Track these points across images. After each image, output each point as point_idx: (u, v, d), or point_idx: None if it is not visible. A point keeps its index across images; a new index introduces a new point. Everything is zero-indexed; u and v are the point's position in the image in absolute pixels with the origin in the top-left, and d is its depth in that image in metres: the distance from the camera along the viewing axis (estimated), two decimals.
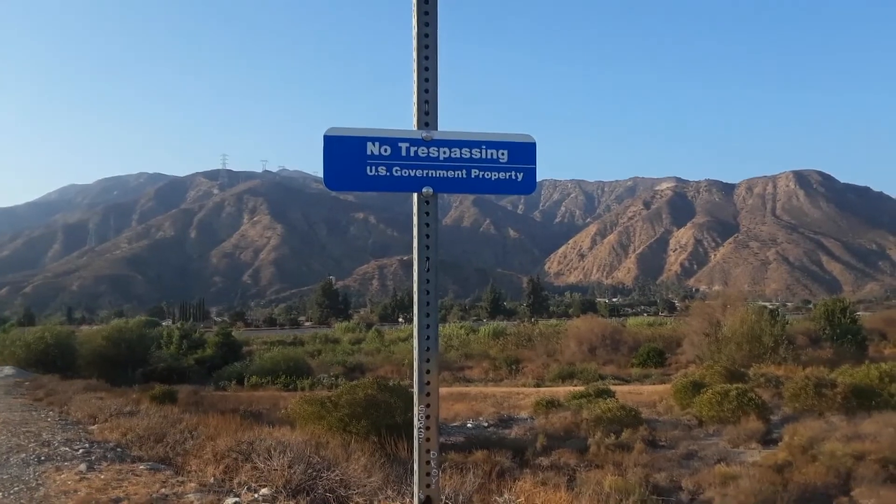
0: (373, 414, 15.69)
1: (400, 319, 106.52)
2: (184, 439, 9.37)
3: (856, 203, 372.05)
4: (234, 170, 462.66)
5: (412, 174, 3.46)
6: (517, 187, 3.64)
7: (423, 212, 3.47)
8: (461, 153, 3.52)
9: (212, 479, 7.32)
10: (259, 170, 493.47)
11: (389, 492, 6.50)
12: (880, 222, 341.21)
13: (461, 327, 68.07)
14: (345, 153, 3.40)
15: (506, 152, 3.58)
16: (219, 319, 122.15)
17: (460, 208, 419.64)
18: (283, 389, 33.36)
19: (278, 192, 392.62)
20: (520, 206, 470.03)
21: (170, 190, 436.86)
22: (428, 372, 3.24)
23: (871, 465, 14.47)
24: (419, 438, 3.10)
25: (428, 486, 3.08)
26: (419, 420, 3.15)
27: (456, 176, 3.51)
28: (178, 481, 7.30)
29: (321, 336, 67.24)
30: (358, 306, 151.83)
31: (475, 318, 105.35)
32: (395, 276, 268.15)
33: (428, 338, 3.29)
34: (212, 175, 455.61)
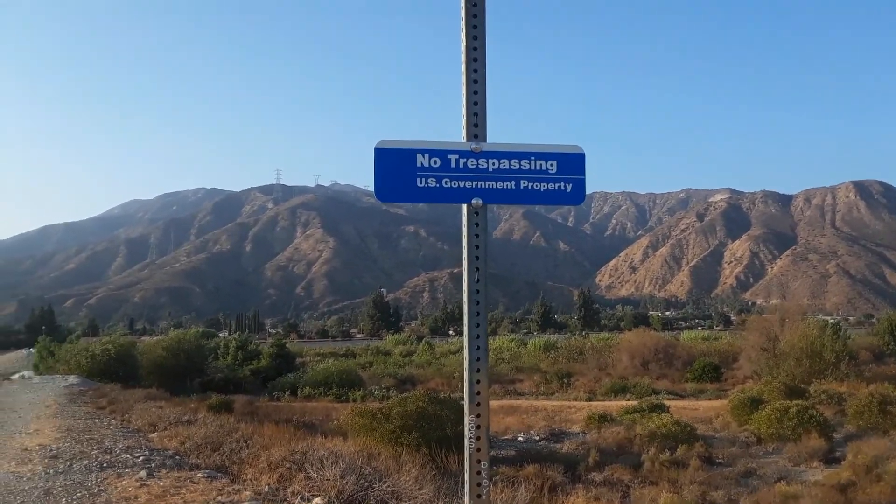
0: (423, 426, 15.73)
1: (450, 332, 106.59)
2: (239, 448, 9.55)
3: None
4: (288, 184, 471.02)
5: (462, 185, 3.50)
6: (566, 198, 3.64)
7: (473, 223, 3.50)
8: (510, 164, 3.55)
9: (266, 488, 7.45)
10: (312, 184, 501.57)
11: (440, 503, 6.51)
12: None
13: (511, 340, 67.70)
14: (395, 165, 3.46)
15: (555, 163, 3.60)
16: (273, 331, 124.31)
17: (510, 221, 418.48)
18: (335, 401, 33.73)
19: (330, 205, 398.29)
20: (570, 219, 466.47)
21: (226, 204, 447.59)
22: (478, 382, 3.26)
23: None
24: (470, 448, 3.12)
25: (479, 496, 3.09)
26: (470, 430, 3.16)
27: (505, 187, 3.54)
28: (233, 489, 7.44)
29: (373, 348, 67.76)
30: (409, 319, 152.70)
31: (525, 331, 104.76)
32: (446, 288, 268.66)
33: (478, 348, 3.31)
34: (266, 190, 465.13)
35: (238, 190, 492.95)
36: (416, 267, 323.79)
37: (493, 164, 3.53)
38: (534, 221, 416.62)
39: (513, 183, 3.55)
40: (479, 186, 3.51)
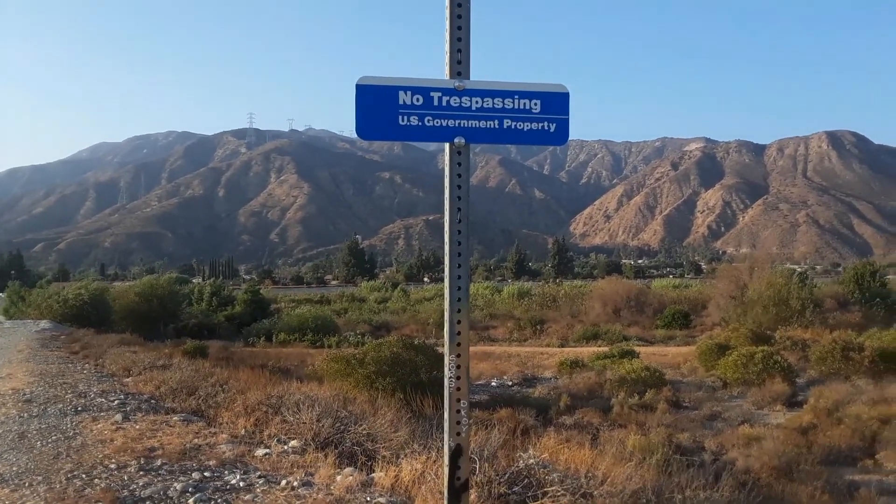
0: (398, 371, 15.92)
1: (425, 279, 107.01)
2: (215, 393, 9.59)
3: (890, 164, 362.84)
4: (262, 128, 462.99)
5: (444, 124, 3.45)
6: (550, 138, 3.61)
7: (456, 162, 3.46)
8: (494, 103, 3.49)
9: (243, 431, 7.52)
10: (286, 129, 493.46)
11: (416, 446, 6.62)
12: None
13: (486, 287, 68.20)
14: (377, 103, 3.39)
15: (538, 102, 3.55)
16: (247, 277, 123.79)
17: (486, 168, 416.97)
18: (310, 346, 33.91)
19: (305, 151, 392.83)
20: (546, 167, 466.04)
21: (198, 148, 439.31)
22: (459, 322, 3.27)
23: None
24: (450, 388, 3.15)
25: (458, 434, 3.14)
26: (450, 370, 3.19)
27: (488, 126, 3.49)
28: (210, 432, 7.50)
29: (347, 295, 67.90)
30: (384, 266, 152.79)
31: (500, 278, 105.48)
32: (421, 235, 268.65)
33: (459, 288, 3.31)
34: (239, 134, 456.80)
35: (210, 134, 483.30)
36: (392, 213, 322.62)
37: (477, 102, 3.47)
38: (510, 169, 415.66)
39: (496, 122, 3.50)
40: (462, 125, 3.46)
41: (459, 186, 3.44)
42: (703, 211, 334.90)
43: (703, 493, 6.02)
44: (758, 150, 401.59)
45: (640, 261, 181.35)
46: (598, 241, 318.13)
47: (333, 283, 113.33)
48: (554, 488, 5.57)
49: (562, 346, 36.03)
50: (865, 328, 32.45)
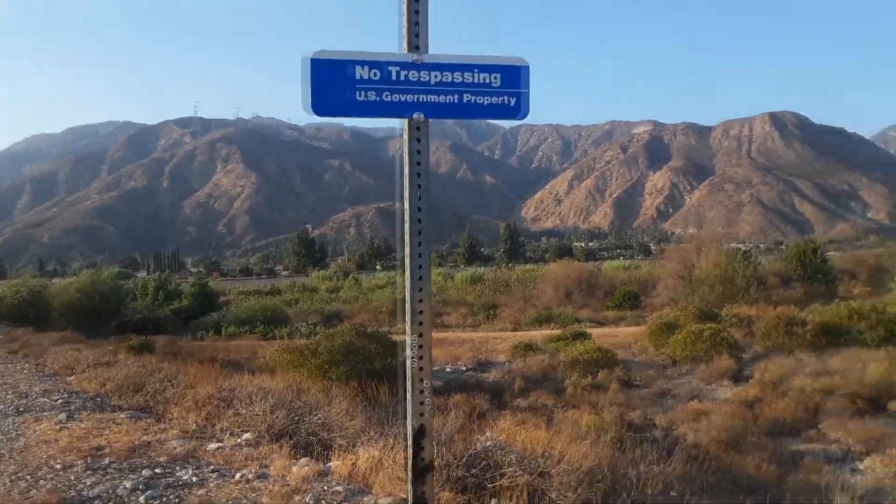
0: (352, 360, 15.83)
1: (377, 267, 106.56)
2: (163, 388, 9.39)
3: (830, 144, 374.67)
4: (207, 117, 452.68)
5: (403, 99, 3.36)
6: (510, 112, 3.54)
7: (415, 138, 3.39)
8: (453, 77, 3.42)
9: (194, 426, 7.37)
10: (232, 117, 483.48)
11: (372, 433, 6.58)
12: (853, 163, 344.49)
13: (438, 274, 68.27)
14: (332, 78, 3.29)
15: (498, 76, 3.49)
16: (194, 270, 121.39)
17: (436, 154, 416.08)
18: (261, 339, 33.46)
19: (252, 139, 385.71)
20: (496, 152, 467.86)
21: (140, 139, 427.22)
22: (420, 301, 3.21)
23: (839, 399, 14.95)
24: (412, 368, 3.09)
25: (422, 414, 3.09)
26: (412, 350, 3.13)
27: (448, 101, 3.42)
28: (159, 429, 7.34)
29: (298, 285, 67.17)
30: (335, 254, 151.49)
31: (452, 264, 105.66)
32: (372, 224, 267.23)
33: (420, 266, 3.25)
34: (183, 123, 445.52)
35: (153, 123, 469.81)
36: (342, 202, 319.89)
37: (436, 76, 3.39)
38: (460, 154, 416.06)
39: (455, 97, 3.43)
40: (420, 100, 3.38)
41: (419, 163, 3.37)
42: (652, 193, 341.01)
43: (656, 468, 6.14)
44: (704, 132, 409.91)
45: (590, 243, 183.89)
46: (549, 224, 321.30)
47: (284, 273, 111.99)
48: (511, 469, 5.60)
49: (515, 330, 36.32)
50: (807, 304, 33.47)
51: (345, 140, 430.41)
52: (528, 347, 25.00)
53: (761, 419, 14.25)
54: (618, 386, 18.64)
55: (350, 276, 71.71)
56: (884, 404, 14.94)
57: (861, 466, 11.28)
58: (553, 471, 5.55)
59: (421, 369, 3.17)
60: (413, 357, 3.15)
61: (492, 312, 43.39)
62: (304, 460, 6.10)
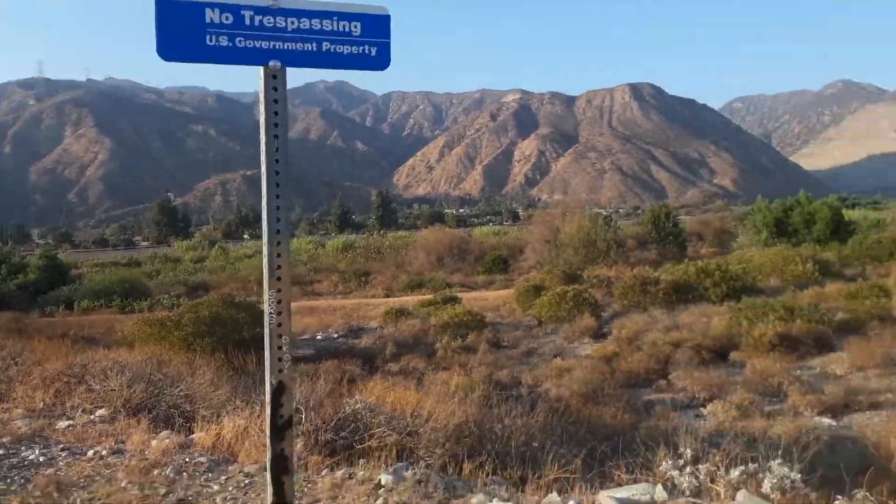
0: (219, 331, 15.35)
1: (245, 236, 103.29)
2: (7, 366, 8.73)
3: (682, 114, 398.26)
4: (53, 78, 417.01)
5: (258, 46, 3.22)
6: (371, 62, 3.47)
7: (271, 87, 3.26)
8: (311, 24, 3.30)
9: (41, 404, 6.92)
10: (82, 78, 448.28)
11: (238, 402, 6.44)
12: (703, 133, 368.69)
13: (309, 242, 67.25)
14: (181, 20, 3.09)
15: (359, 25, 3.40)
16: (41, 242, 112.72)
17: (307, 120, 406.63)
18: (118, 313, 31.67)
19: (105, 102, 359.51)
20: (368, 119, 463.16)
21: None
22: (279, 255, 3.12)
23: (686, 351, 16.11)
24: (270, 325, 3.01)
25: (280, 371, 3.02)
26: (270, 305, 3.05)
27: (306, 49, 3.30)
28: (2, 408, 6.85)
29: (160, 256, 64.03)
30: (200, 224, 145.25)
31: (323, 232, 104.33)
32: (239, 191, 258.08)
33: (278, 220, 3.16)
34: (27, 84, 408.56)
35: None
36: (206, 169, 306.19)
37: (293, 23, 3.26)
38: (331, 121, 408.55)
39: (314, 45, 3.32)
40: (277, 48, 3.25)
41: (276, 113, 3.25)
42: (520, 160, 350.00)
43: (520, 421, 6.39)
44: (569, 101, 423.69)
45: (461, 210, 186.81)
46: (421, 191, 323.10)
47: (144, 244, 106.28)
48: (381, 430, 5.66)
49: (387, 296, 36.47)
50: (661, 264, 35.77)
51: (209, 105, 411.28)
52: (401, 313, 25.19)
53: (618, 373, 15.15)
54: (487, 347, 19.19)
55: (216, 246, 69.13)
56: (726, 355, 16.29)
57: (704, 412, 12.27)
58: (421, 429, 5.66)
59: (279, 325, 3.10)
60: (271, 313, 3.07)
61: (364, 279, 43.30)
62: (164, 433, 5.88)
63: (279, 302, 3.06)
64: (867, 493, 4.09)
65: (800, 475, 4.70)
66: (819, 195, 62.26)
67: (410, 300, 30.53)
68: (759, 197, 73.93)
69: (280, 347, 3.05)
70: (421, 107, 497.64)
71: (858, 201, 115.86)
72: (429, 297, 30.33)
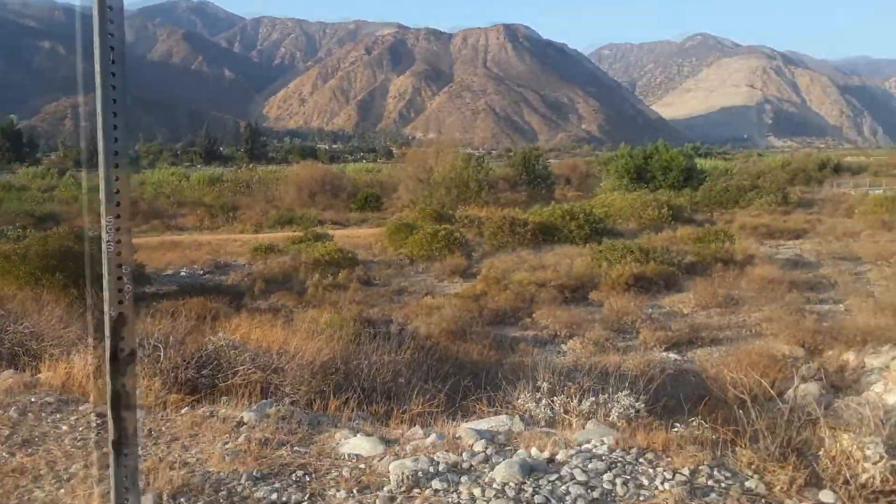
0: (71, 266, 14.37)
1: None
2: None
3: (554, 59, 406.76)
4: None
5: None
6: None
7: None
8: None
9: None
10: None
11: (91, 340, 6.12)
12: (573, 78, 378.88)
13: (172, 174, 63.87)
14: None
15: None
16: None
17: (168, 42, 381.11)
18: None
19: None
20: (236, 45, 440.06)
21: None
22: (116, 179, 2.83)
23: (550, 290, 16.84)
24: (109, 252, 2.79)
25: (121, 302, 2.83)
26: (108, 233, 2.82)
27: None
28: None
29: (3, 183, 58.74)
30: (48, 150, 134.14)
31: (188, 163, 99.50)
32: (93, 116, 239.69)
33: (115, 140, 2.82)
34: None
35: None
36: (56, 91, 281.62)
37: None
38: (196, 44, 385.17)
39: None
40: None
41: (111, 7, 2.87)
42: (395, 97, 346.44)
43: (387, 357, 6.49)
44: (444, 38, 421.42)
45: (334, 145, 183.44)
46: (292, 125, 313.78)
47: None
48: (245, 367, 5.57)
49: (256, 232, 35.48)
50: (529, 205, 36.88)
51: (57, 18, 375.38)
52: (270, 249, 24.61)
53: (486, 311, 15.63)
54: (358, 285, 19.17)
55: (67, 174, 64.22)
56: (587, 294, 17.19)
57: (565, 348, 12.97)
58: (287, 367, 5.62)
59: (119, 254, 2.86)
60: (109, 241, 2.83)
61: (231, 214, 41.84)
62: (7, 373, 5.51)
63: (118, 230, 2.83)
64: (702, 421, 4.49)
65: (644, 405, 5.09)
66: (676, 143, 66.11)
67: (280, 237, 29.85)
68: (622, 143, 77.36)
69: (120, 278, 2.86)
70: (293, 35, 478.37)
71: (710, 150, 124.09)
72: (299, 233, 29.78)
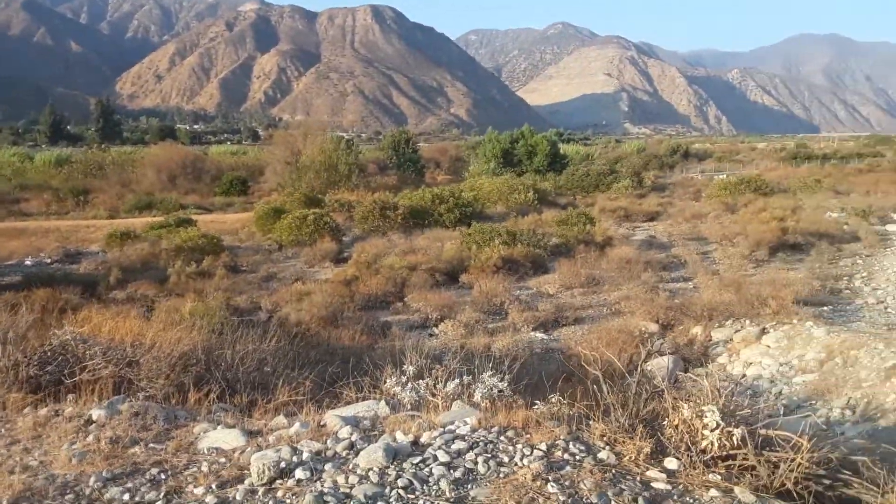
0: None
1: None
2: None
3: (422, 42, 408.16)
4: None
5: None
6: None
7: None
8: None
9: None
10: None
11: None
12: (441, 62, 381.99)
13: (14, 155, 58.78)
14: None
15: None
16: None
17: (7, 12, 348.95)
18: None
19: None
20: (83, 16, 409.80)
21: None
22: None
23: (421, 274, 16.97)
24: None
25: None
26: None
27: None
28: None
29: None
30: None
31: (32, 143, 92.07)
32: None
33: None
34: None
35: None
36: None
37: None
38: (37, 14, 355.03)
39: None
40: None
41: None
42: (260, 76, 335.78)
43: (251, 346, 6.31)
44: (311, 17, 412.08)
45: (196, 126, 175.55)
46: (149, 103, 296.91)
47: None
48: (95, 361, 5.24)
49: (111, 217, 33.43)
50: (400, 189, 36.96)
51: None
52: (127, 236, 23.25)
53: (357, 295, 15.53)
54: (224, 272, 18.48)
55: None
56: (457, 277, 17.46)
57: (436, 331, 13.13)
58: (143, 359, 5.35)
59: None
60: None
61: (83, 199, 39.17)
62: None
63: None
64: (560, 398, 4.69)
65: (507, 384, 5.25)
66: (541, 129, 68.27)
67: (138, 222, 28.28)
68: (489, 128, 79.02)
69: None
70: (146, 6, 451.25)
71: (573, 136, 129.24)
72: (160, 219, 28.35)
